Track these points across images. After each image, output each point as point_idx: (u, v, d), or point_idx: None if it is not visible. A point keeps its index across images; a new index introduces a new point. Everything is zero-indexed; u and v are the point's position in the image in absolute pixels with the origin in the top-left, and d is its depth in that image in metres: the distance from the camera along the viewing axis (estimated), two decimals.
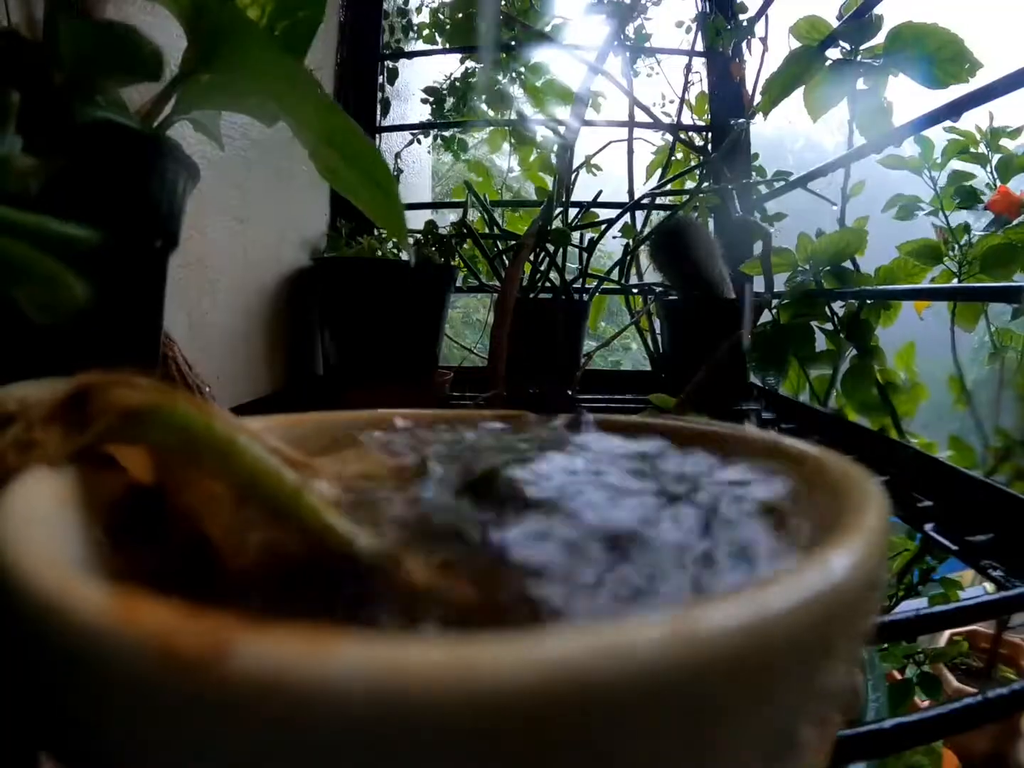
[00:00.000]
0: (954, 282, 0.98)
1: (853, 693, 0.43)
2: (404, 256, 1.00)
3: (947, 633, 1.17)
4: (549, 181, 1.38)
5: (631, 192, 1.30)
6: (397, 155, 1.34)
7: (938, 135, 1.06)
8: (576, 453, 0.18)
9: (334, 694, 0.07)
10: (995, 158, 1.04)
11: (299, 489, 0.13)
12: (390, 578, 0.13)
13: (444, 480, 0.17)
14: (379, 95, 1.30)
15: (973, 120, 1.04)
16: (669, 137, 1.29)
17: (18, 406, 0.14)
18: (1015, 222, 0.95)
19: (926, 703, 0.99)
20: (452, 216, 1.27)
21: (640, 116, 1.27)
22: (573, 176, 1.09)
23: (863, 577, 0.11)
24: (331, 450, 0.20)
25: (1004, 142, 1.05)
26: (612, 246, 1.25)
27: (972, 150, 1.05)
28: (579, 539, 0.14)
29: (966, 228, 1.00)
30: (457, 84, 1.37)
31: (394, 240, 0.98)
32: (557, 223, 1.05)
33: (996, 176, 1.05)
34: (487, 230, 1.12)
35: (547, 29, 1.32)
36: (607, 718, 0.08)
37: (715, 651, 0.08)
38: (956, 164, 1.06)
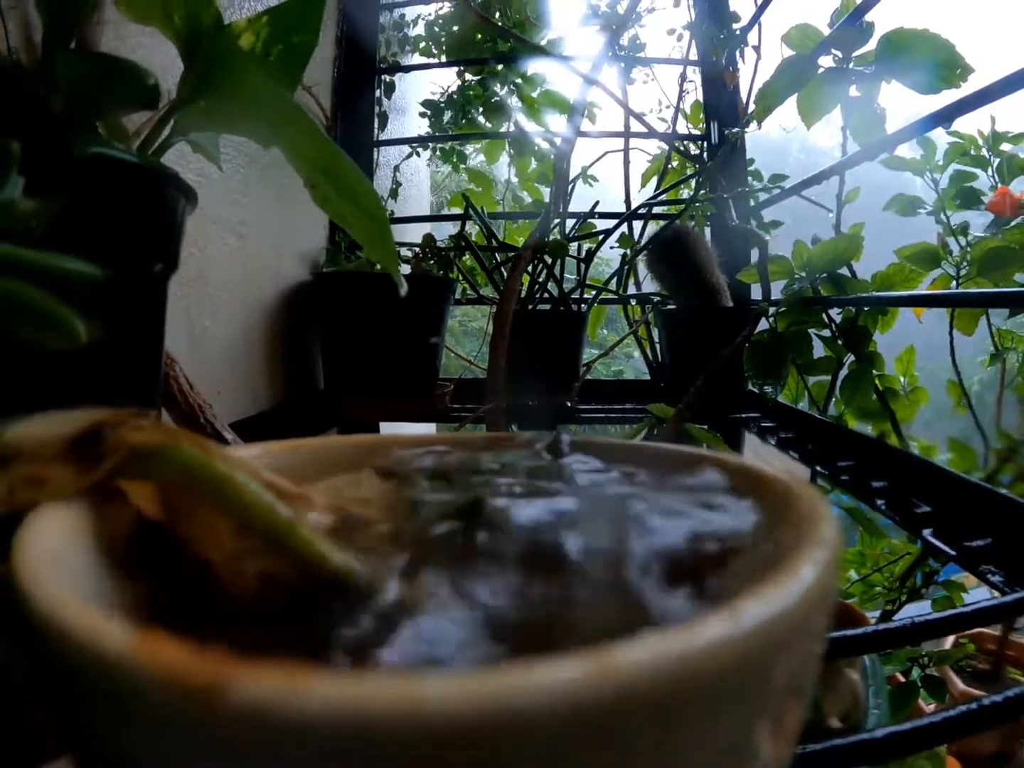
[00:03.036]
0: (952, 285, 0.99)
1: (854, 699, 0.43)
2: (404, 269, 1.01)
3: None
4: (546, 192, 1.39)
5: (628, 202, 1.31)
6: (396, 168, 1.35)
7: (939, 136, 1.06)
8: (553, 479, 0.19)
9: (309, 726, 0.09)
10: (996, 161, 1.04)
11: (292, 521, 0.14)
12: (378, 604, 0.13)
13: (433, 507, 0.17)
14: (377, 109, 1.31)
15: (974, 123, 1.04)
16: (665, 146, 1.30)
17: (28, 442, 0.15)
18: (1013, 223, 0.95)
19: (931, 706, 0.99)
20: (451, 227, 1.28)
21: (636, 126, 1.28)
22: (570, 187, 1.10)
23: (799, 613, 0.12)
24: (328, 475, 0.21)
25: (1005, 146, 1.05)
26: (611, 253, 1.25)
27: (973, 153, 1.06)
28: (552, 571, 0.14)
29: (964, 229, 1.00)
30: (455, 96, 1.38)
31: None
32: (555, 234, 1.06)
33: (997, 179, 1.05)
34: (485, 242, 1.13)
35: (543, 42, 1.33)
36: (535, 748, 0.09)
37: (631, 688, 0.09)
38: (958, 166, 1.07)
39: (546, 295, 1.07)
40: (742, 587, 0.15)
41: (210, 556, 0.15)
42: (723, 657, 0.10)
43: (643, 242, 1.18)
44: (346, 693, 0.09)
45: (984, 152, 1.04)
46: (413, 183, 1.58)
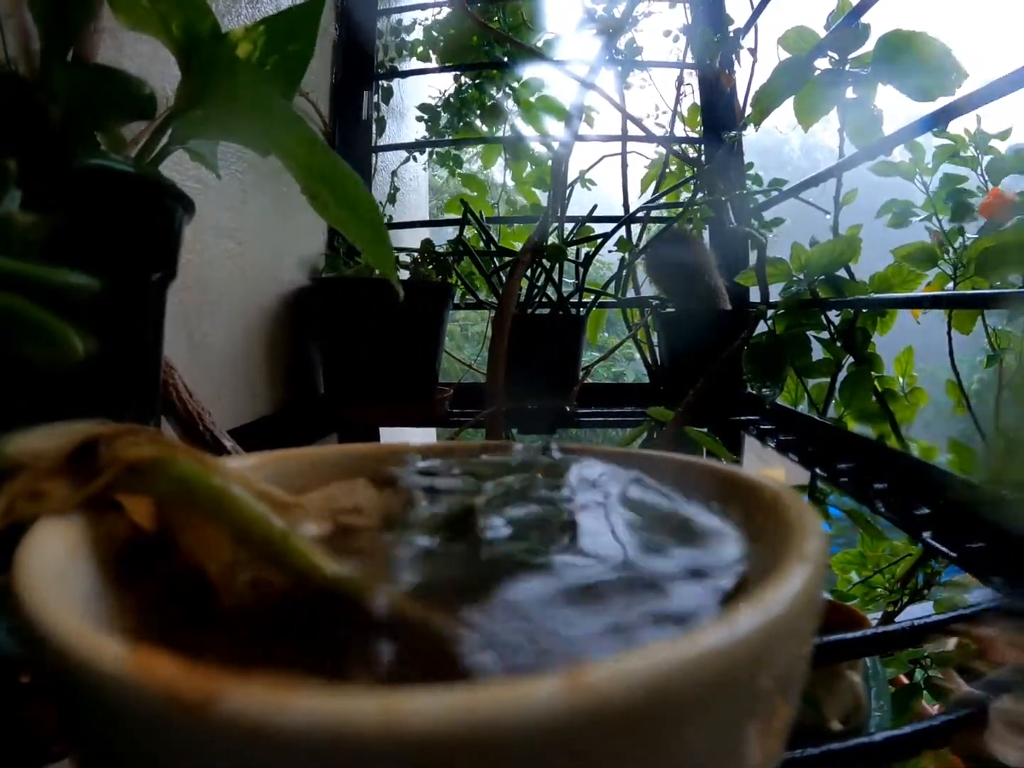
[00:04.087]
0: (949, 286, 0.99)
1: (855, 702, 0.43)
2: (403, 275, 1.01)
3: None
4: (543, 197, 1.39)
5: (626, 206, 1.31)
6: (393, 173, 1.35)
7: (927, 138, 1.06)
8: (545, 488, 0.19)
9: (293, 738, 0.09)
10: (985, 161, 1.04)
11: (286, 532, 0.14)
12: (370, 614, 0.13)
13: (426, 517, 0.17)
14: (375, 114, 1.31)
15: (962, 123, 1.04)
16: (662, 150, 1.30)
17: (26, 456, 0.15)
18: (1008, 224, 0.95)
19: (935, 708, 0.98)
20: (450, 231, 1.28)
21: (633, 130, 1.28)
22: (568, 191, 1.10)
23: (785, 623, 0.12)
24: (324, 484, 0.21)
25: (994, 143, 1.05)
26: (610, 256, 1.26)
27: (962, 154, 1.06)
28: (540, 585, 0.15)
29: (960, 231, 1.00)
30: (451, 100, 1.38)
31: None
32: (553, 238, 1.06)
33: (987, 179, 1.05)
34: (483, 247, 1.13)
35: (539, 44, 1.34)
36: (512, 762, 0.10)
37: (606, 704, 0.10)
38: (947, 168, 1.07)
39: (545, 299, 1.07)
40: (728, 597, 0.15)
41: (206, 567, 0.15)
42: (705, 670, 0.11)
43: (641, 245, 1.18)
44: (328, 707, 0.09)
45: (972, 152, 1.04)
46: (412, 188, 1.58)
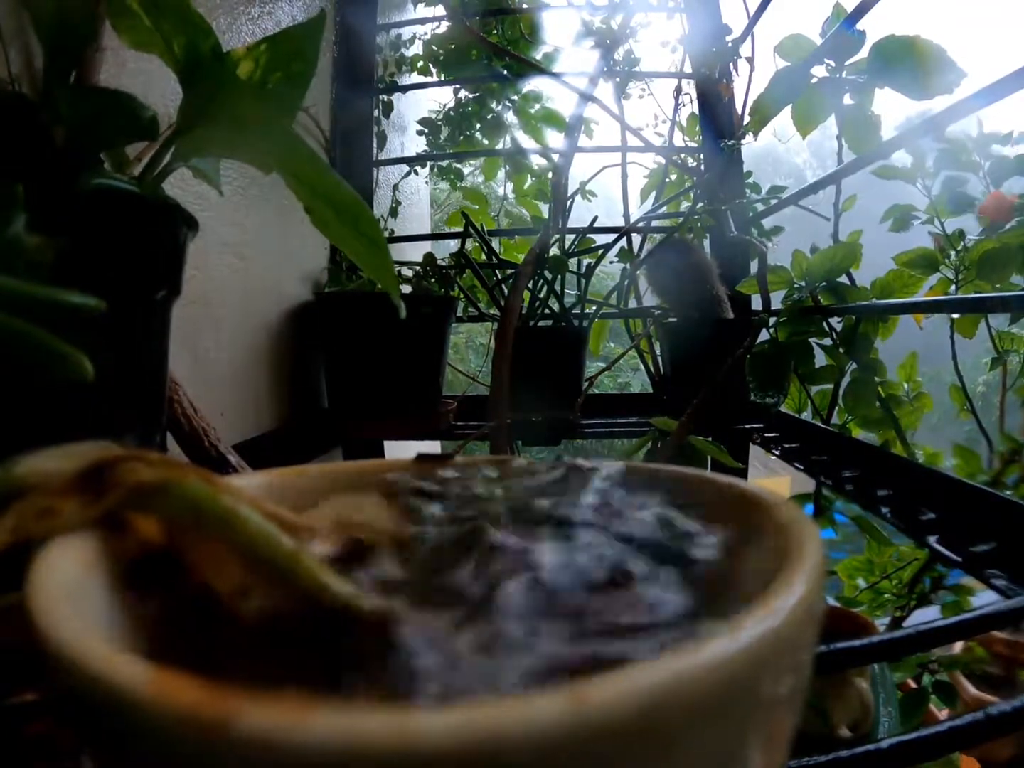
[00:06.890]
0: (952, 289, 0.99)
1: (864, 708, 0.43)
2: (405, 289, 1.02)
3: None
4: (544, 208, 1.40)
5: (626, 216, 1.31)
6: (395, 187, 1.36)
7: (930, 141, 1.06)
8: (550, 505, 0.19)
9: (310, 755, 0.10)
10: (986, 164, 1.05)
11: (296, 552, 0.14)
12: (380, 633, 0.14)
13: (434, 535, 0.17)
14: (375, 128, 1.32)
15: (963, 126, 1.04)
16: (662, 160, 1.31)
17: (36, 477, 0.15)
18: (1008, 225, 0.95)
19: (944, 712, 0.98)
20: (452, 244, 1.29)
21: (632, 140, 1.28)
22: (568, 202, 1.10)
23: (782, 639, 0.12)
24: (332, 500, 0.21)
25: (995, 148, 1.05)
26: (611, 267, 1.26)
27: (963, 158, 1.06)
28: (545, 604, 0.15)
29: (961, 234, 1.00)
30: (452, 114, 1.39)
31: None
32: (554, 250, 1.06)
33: (989, 181, 1.05)
34: (485, 259, 1.13)
35: (538, 58, 1.34)
36: None
37: (607, 719, 0.10)
38: (948, 172, 1.07)
39: (547, 311, 1.07)
40: (724, 612, 0.15)
41: (216, 586, 0.15)
42: (707, 683, 0.11)
43: (643, 256, 1.18)
44: (343, 725, 0.10)
45: (975, 157, 1.04)
46: (413, 201, 1.59)
